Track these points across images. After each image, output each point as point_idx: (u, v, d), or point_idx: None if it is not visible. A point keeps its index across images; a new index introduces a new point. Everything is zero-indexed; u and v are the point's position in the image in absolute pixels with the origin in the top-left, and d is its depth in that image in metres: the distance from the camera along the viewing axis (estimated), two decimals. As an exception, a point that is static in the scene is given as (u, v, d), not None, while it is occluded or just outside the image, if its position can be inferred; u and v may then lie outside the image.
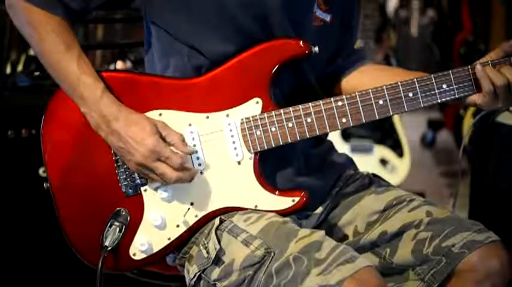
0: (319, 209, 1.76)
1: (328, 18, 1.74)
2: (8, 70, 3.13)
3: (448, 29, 5.34)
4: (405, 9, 6.05)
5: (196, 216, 1.66)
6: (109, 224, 1.66)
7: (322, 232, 1.58)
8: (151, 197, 1.67)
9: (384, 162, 3.95)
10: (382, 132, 3.94)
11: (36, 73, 2.86)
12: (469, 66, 1.64)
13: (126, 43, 3.52)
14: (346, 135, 3.91)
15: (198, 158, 1.65)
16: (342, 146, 3.78)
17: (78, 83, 1.63)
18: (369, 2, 4.44)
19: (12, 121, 2.58)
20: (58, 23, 1.65)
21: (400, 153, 3.96)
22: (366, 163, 3.79)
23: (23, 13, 1.66)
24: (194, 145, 1.65)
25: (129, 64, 3.83)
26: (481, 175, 2.58)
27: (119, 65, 3.16)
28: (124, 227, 1.66)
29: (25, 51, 3.60)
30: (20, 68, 3.54)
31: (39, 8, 1.64)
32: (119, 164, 1.67)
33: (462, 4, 5.17)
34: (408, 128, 4.14)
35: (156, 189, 1.66)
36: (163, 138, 1.61)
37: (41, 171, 2.54)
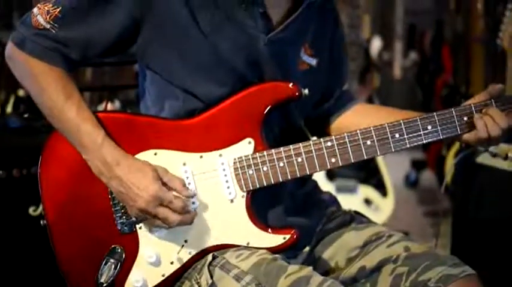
0: (307, 248, 1.80)
1: (314, 62, 1.79)
2: (-2, 111, 3.16)
3: (430, 71, 5.41)
4: (388, 51, 6.12)
5: (190, 253, 1.69)
6: (104, 261, 1.69)
7: (310, 268, 1.62)
8: (146, 235, 1.70)
9: (368, 202, 3.97)
10: (366, 172, 3.97)
11: (26, 115, 2.89)
12: (453, 109, 1.69)
13: (116, 85, 3.56)
14: (330, 175, 3.93)
15: (192, 196, 1.68)
16: (327, 186, 3.80)
17: (79, 132, 1.65)
18: (353, 44, 4.52)
19: (3, 161, 2.61)
20: (58, 74, 1.67)
21: (383, 193, 3.98)
22: (351, 202, 3.80)
23: (23, 65, 1.68)
24: (189, 183, 1.68)
25: (117, 105, 3.87)
26: (462, 214, 2.63)
27: (108, 106, 3.20)
28: (119, 264, 1.68)
29: (14, 92, 3.63)
30: (9, 109, 3.57)
31: (39, 59, 1.67)
32: (115, 202, 1.70)
33: (443, 47, 5.25)
34: (392, 168, 4.17)
35: (151, 227, 1.69)
36: (164, 184, 1.64)
37: (30, 210, 2.57)
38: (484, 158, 2.52)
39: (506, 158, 2.46)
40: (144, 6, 1.66)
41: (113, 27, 1.67)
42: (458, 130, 1.69)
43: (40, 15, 1.67)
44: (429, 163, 4.99)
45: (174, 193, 1.64)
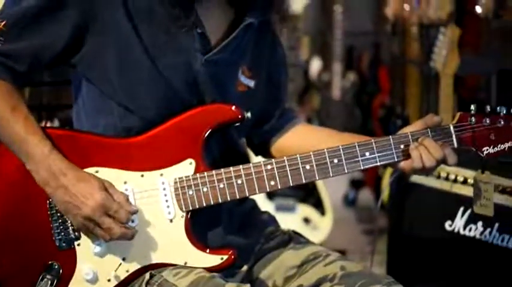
0: (245, 268, 1.82)
1: (252, 84, 1.82)
2: None
3: (368, 92, 5.49)
4: (327, 72, 6.19)
5: (127, 271, 1.70)
6: (41, 277, 1.68)
7: (247, 285, 1.65)
8: (84, 251, 1.70)
9: (307, 220, 3.99)
10: (305, 191, 4.00)
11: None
12: (391, 137, 1.73)
13: (55, 105, 3.53)
14: (270, 194, 3.94)
15: (135, 213, 1.69)
16: (266, 205, 3.83)
17: (26, 143, 1.65)
18: (292, 66, 4.58)
19: None
20: (4, 87, 1.67)
21: (322, 212, 4.02)
22: (290, 221, 3.82)
23: None
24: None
25: (56, 124, 3.83)
26: (397, 232, 2.70)
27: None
28: (56, 280, 1.68)
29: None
30: None
31: None
32: (54, 218, 1.69)
33: (381, 68, 5.34)
34: (331, 187, 4.21)
35: (89, 243, 1.69)
36: (110, 194, 1.65)
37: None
38: (417, 177, 2.58)
39: (438, 177, 2.53)
40: (89, 17, 1.68)
41: (58, 39, 1.68)
42: (395, 158, 1.72)
43: None
44: (367, 182, 5.06)
45: (119, 204, 1.65)
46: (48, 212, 1.70)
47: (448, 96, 3.21)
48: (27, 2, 1.69)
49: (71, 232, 1.70)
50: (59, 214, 1.70)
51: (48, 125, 3.20)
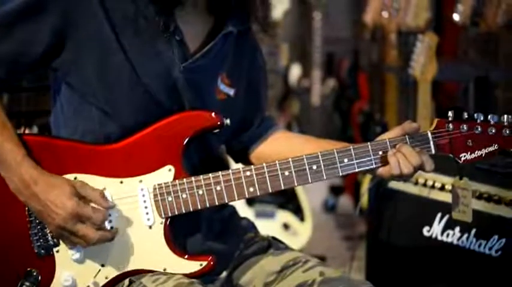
0: (224, 274, 1.83)
1: (231, 92, 1.82)
2: None
3: (347, 98, 5.51)
4: (307, 78, 6.20)
5: (106, 277, 1.70)
6: (20, 284, 1.68)
7: (227, 292, 1.67)
8: (63, 258, 1.70)
9: (286, 226, 4.00)
10: (284, 197, 4.01)
11: None
12: (369, 143, 1.74)
13: (34, 111, 3.51)
14: (249, 200, 3.95)
15: (110, 221, 1.69)
16: (245, 211, 3.84)
17: (1, 149, 1.65)
18: (272, 72, 4.60)
19: None
20: None
21: (301, 218, 4.03)
22: (269, 227, 3.83)
23: None
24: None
25: (35, 131, 3.81)
26: (376, 237, 2.71)
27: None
28: None
29: None
30: None
31: None
32: (32, 224, 1.69)
33: (360, 75, 5.37)
34: (310, 193, 4.22)
35: (68, 250, 1.69)
36: (83, 198, 1.65)
37: None
38: (395, 184, 2.60)
39: (416, 183, 2.55)
40: (69, 23, 1.68)
41: (38, 44, 1.68)
42: (374, 164, 1.73)
43: None
44: (346, 189, 5.08)
45: (93, 205, 1.65)
46: (27, 219, 1.70)
47: (426, 103, 3.23)
48: (5, 7, 1.68)
49: (49, 238, 1.70)
50: (37, 221, 1.69)
51: (27, 131, 3.20)
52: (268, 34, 1.87)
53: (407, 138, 1.74)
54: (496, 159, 1.76)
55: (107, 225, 1.69)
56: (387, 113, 4.43)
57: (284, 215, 4.01)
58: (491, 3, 3.55)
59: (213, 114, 1.73)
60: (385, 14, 4.21)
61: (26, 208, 1.69)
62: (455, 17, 3.88)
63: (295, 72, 5.91)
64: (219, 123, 1.73)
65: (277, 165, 1.72)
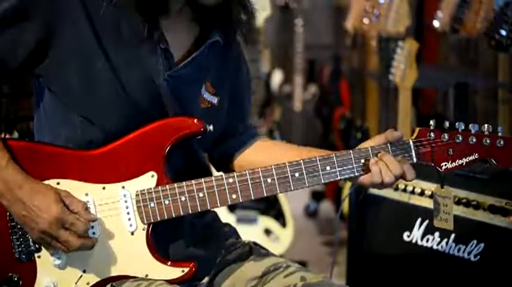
0: (206, 279, 1.83)
1: (215, 101, 1.83)
2: None
3: (329, 104, 5.52)
4: (289, 84, 6.22)
5: (88, 283, 1.70)
6: None
7: (208, 297, 1.67)
8: (45, 264, 1.70)
9: (268, 232, 4.01)
10: (266, 203, 4.01)
11: None
12: (351, 151, 1.75)
13: (15, 117, 3.50)
14: (231, 206, 3.94)
15: (93, 227, 1.69)
16: (227, 217, 3.84)
17: None
18: (254, 78, 4.60)
19: None
20: None
21: (283, 223, 4.04)
22: (251, 233, 3.83)
23: None
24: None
25: (16, 136, 3.79)
26: (356, 243, 2.73)
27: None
28: None
29: None
30: None
31: None
32: (14, 229, 1.69)
33: (341, 81, 5.39)
34: (292, 199, 4.22)
35: (49, 256, 1.69)
36: (67, 207, 1.65)
37: None
38: (376, 189, 2.61)
39: (396, 189, 2.57)
40: (52, 31, 1.68)
41: (20, 52, 1.68)
42: (356, 172, 1.74)
43: None
44: (328, 194, 5.09)
45: (76, 215, 1.66)
46: (8, 224, 1.70)
47: (406, 110, 3.25)
48: None
49: (31, 244, 1.70)
50: (19, 226, 1.70)
51: (8, 137, 3.19)
52: (250, 43, 1.87)
53: (389, 147, 1.75)
54: (475, 165, 1.77)
55: (90, 231, 1.69)
56: (368, 119, 4.45)
57: (266, 221, 4.02)
58: (470, 10, 3.58)
59: (195, 120, 1.74)
60: (366, 21, 4.23)
61: (7, 213, 1.69)
62: (435, 23, 3.91)
63: (277, 78, 5.92)
64: (202, 129, 1.74)
65: (260, 172, 1.73)
